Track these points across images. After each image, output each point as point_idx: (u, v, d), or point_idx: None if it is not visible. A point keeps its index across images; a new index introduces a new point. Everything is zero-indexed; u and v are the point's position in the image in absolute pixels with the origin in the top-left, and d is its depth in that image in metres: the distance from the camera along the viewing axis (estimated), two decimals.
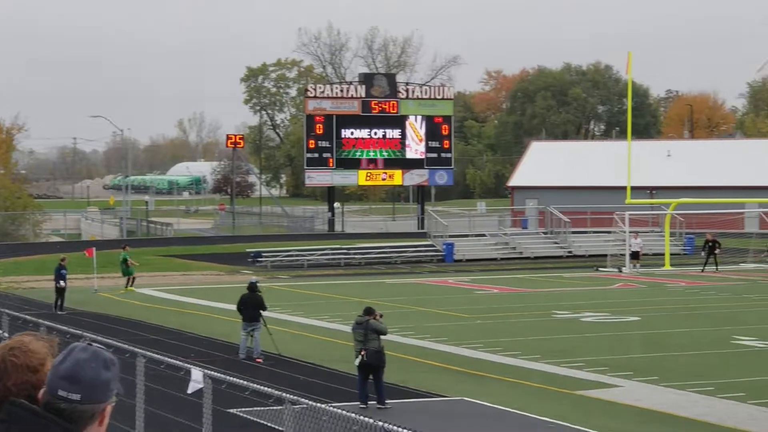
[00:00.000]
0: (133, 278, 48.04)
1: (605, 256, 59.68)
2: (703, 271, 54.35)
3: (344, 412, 12.10)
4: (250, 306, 28.68)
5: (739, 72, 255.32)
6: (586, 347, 29.97)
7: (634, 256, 56.78)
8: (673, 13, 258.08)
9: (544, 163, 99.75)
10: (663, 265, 58.30)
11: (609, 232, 64.32)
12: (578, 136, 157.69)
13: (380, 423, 11.29)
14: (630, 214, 60.18)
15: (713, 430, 20.19)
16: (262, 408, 15.60)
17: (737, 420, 20.83)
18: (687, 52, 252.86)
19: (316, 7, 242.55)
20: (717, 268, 54.44)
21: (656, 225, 71.77)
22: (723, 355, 28.58)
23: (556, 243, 68.53)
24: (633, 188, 61.21)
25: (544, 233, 71.26)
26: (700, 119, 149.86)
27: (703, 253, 56.59)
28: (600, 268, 57.57)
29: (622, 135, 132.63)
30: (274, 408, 14.81)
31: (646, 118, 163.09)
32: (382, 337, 22.42)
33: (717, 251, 55.50)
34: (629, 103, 68.18)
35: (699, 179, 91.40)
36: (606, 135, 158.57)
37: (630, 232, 58.15)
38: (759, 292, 45.51)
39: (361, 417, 11.54)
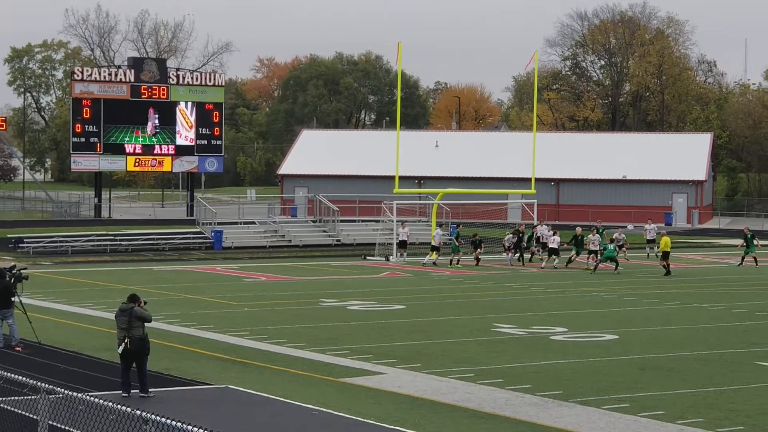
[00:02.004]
0: None
1: (373, 244, 60.36)
2: (523, 264, 54.52)
3: (101, 401, 11.86)
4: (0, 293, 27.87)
5: (505, 66, 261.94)
6: (351, 335, 30.25)
7: (402, 245, 57.60)
8: (441, 8, 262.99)
9: (315, 152, 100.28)
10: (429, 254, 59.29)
11: (377, 221, 65.09)
12: (349, 125, 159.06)
13: (138, 412, 11.11)
14: (398, 204, 61.05)
15: (472, 414, 20.66)
16: (18, 397, 15.14)
17: (495, 405, 21.38)
18: (455, 44, 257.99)
19: None
20: (523, 262, 55.06)
21: (423, 214, 73.01)
22: (484, 342, 29.28)
23: (324, 231, 68.97)
24: (401, 178, 62.11)
25: (313, 221, 71.63)
26: (467, 111, 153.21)
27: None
28: (368, 257, 58.20)
29: (392, 125, 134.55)
30: (31, 397, 14.43)
31: (416, 109, 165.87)
32: (146, 324, 22.12)
33: (523, 243, 55.77)
34: (399, 93, 69.10)
35: (465, 170, 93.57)
36: (376, 125, 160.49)
37: (397, 221, 58.97)
38: (520, 281, 46.83)
39: (118, 406, 11.33)
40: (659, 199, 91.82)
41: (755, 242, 54.42)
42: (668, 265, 49.14)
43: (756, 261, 53.86)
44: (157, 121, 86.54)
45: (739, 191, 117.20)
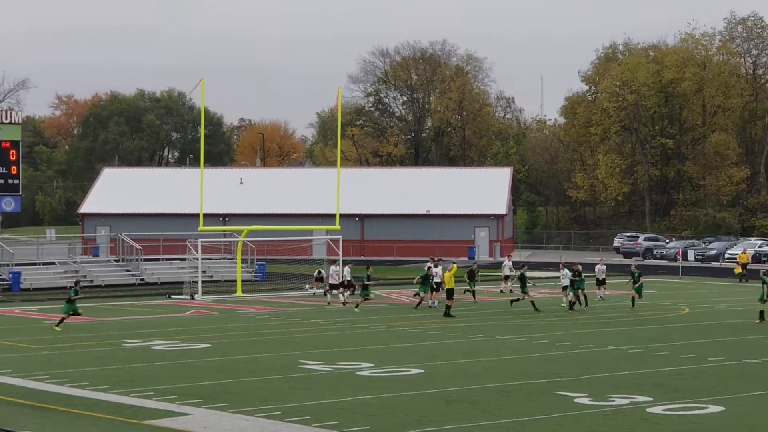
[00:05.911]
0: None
1: (178, 283, 59.58)
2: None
3: None
4: None
5: (309, 102, 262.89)
6: (155, 376, 29.73)
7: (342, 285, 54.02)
8: (241, 46, 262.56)
9: (117, 190, 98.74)
10: (235, 291, 58.91)
11: (183, 260, 64.33)
12: (152, 162, 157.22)
13: None
14: (203, 242, 60.46)
15: None
16: None
17: None
18: (259, 81, 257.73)
19: None
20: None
21: (228, 252, 72.52)
22: (290, 379, 29.14)
23: (128, 270, 67.84)
24: (206, 215, 61.59)
25: (116, 261, 70.40)
26: (271, 148, 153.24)
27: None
28: (172, 296, 57.44)
29: (195, 162, 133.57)
30: None
31: (220, 146, 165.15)
32: None
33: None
34: (202, 131, 68.64)
35: (270, 207, 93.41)
36: (180, 162, 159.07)
37: (341, 262, 55.94)
38: (326, 317, 46.84)
39: None
40: (462, 233, 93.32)
41: (641, 279, 52.99)
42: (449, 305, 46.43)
43: (637, 297, 51.46)
44: None
45: (538, 224, 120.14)
